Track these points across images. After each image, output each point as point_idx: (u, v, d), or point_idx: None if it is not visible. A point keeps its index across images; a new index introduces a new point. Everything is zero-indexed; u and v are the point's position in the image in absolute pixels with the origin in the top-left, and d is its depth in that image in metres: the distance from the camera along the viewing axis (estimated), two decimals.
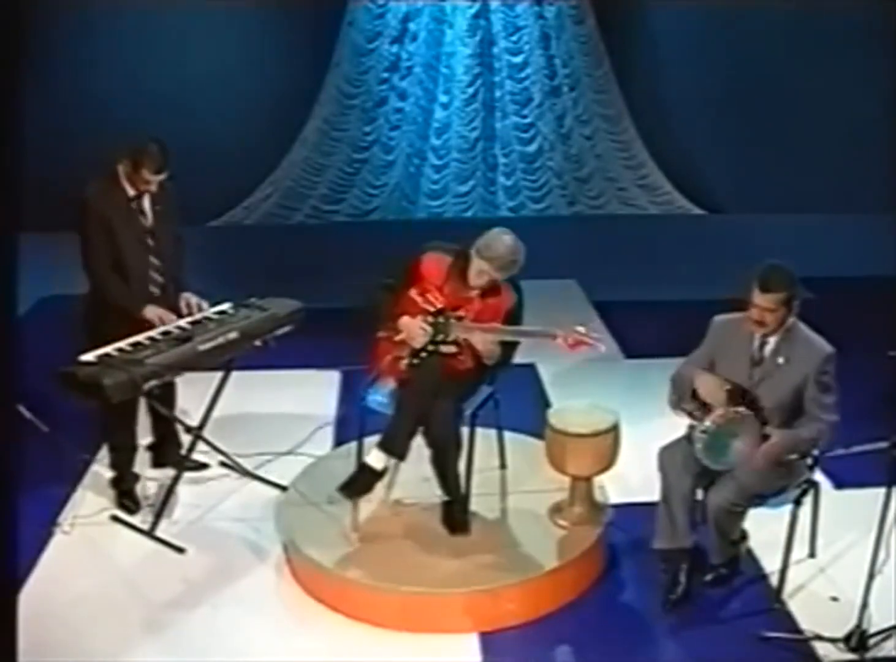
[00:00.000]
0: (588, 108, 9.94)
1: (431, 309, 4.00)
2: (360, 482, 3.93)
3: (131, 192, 4.24)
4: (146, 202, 4.30)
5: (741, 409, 3.68)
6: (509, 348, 4.05)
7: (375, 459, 3.89)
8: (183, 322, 4.27)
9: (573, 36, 9.82)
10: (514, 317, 4.05)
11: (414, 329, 3.95)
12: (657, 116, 9.74)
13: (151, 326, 4.18)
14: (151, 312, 4.20)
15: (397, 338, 4.00)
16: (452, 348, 3.96)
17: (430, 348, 3.97)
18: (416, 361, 3.99)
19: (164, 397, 4.49)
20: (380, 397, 4.16)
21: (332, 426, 5.22)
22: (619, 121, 9.94)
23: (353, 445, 4.34)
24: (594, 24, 9.74)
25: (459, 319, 3.97)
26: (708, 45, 9.45)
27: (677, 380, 3.90)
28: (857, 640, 3.50)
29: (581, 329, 3.86)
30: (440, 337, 3.96)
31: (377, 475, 3.91)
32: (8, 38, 2.14)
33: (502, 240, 3.91)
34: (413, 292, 4.03)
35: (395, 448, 3.86)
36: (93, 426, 4.57)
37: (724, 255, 8.00)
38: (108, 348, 3.98)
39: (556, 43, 9.82)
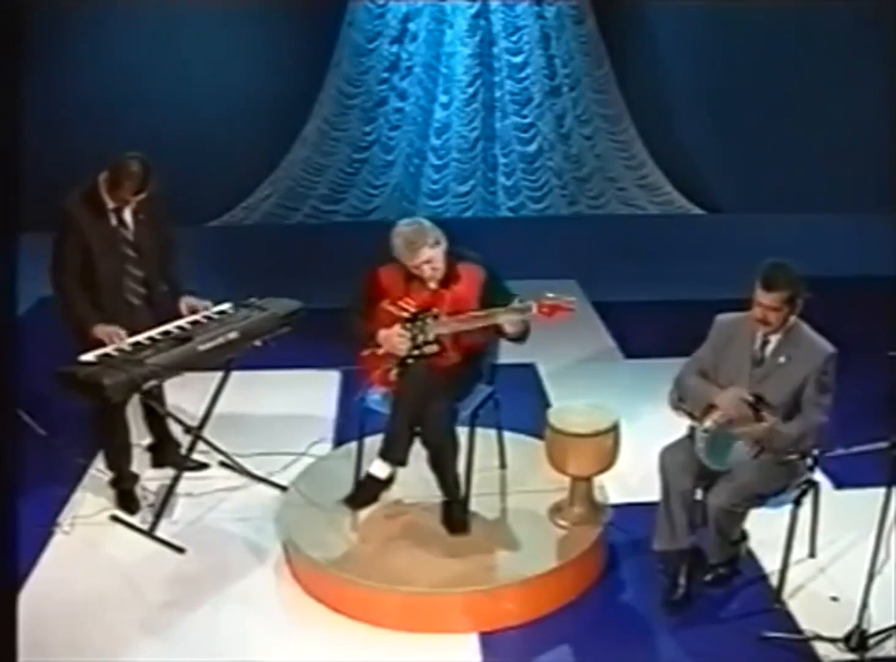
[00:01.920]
0: (588, 108, 9.91)
1: (407, 315, 4.02)
2: (366, 492, 3.97)
3: (111, 204, 4.19)
4: (127, 213, 4.24)
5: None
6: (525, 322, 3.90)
7: (378, 468, 3.92)
8: (183, 322, 4.26)
9: (573, 36, 9.79)
10: (492, 289, 3.98)
11: (393, 339, 3.97)
12: (657, 116, 9.72)
13: (143, 328, 4.16)
14: (101, 330, 4.09)
15: (380, 352, 4.03)
16: (435, 348, 3.98)
17: (416, 352, 3.99)
18: (403, 369, 4.00)
19: (156, 397, 4.49)
20: (377, 396, 4.19)
21: (329, 442, 5.18)
22: (619, 121, 9.91)
23: (353, 445, 4.35)
24: (594, 24, 9.71)
25: (436, 317, 3.98)
26: (708, 44, 9.43)
27: (681, 385, 3.89)
28: (857, 640, 3.50)
29: (551, 295, 3.81)
30: (421, 339, 3.98)
31: (382, 483, 3.94)
32: (8, 38, 2.14)
33: (397, 234, 3.92)
34: (386, 304, 4.05)
35: (395, 455, 3.89)
36: (91, 427, 4.56)
37: (724, 255, 7.99)
38: (108, 348, 3.98)
39: (556, 43, 9.79)
